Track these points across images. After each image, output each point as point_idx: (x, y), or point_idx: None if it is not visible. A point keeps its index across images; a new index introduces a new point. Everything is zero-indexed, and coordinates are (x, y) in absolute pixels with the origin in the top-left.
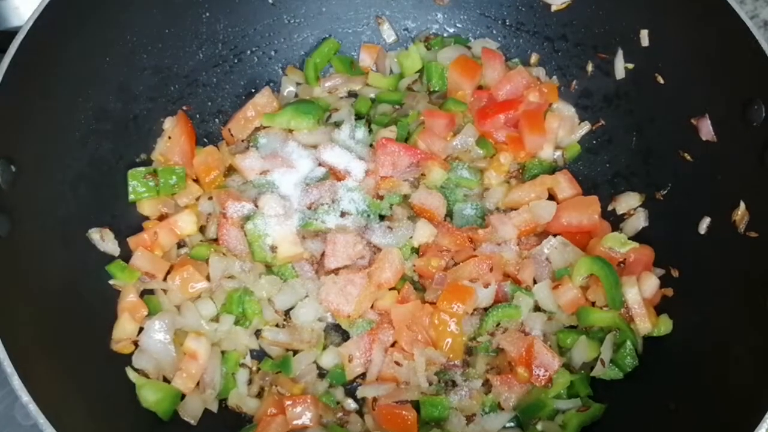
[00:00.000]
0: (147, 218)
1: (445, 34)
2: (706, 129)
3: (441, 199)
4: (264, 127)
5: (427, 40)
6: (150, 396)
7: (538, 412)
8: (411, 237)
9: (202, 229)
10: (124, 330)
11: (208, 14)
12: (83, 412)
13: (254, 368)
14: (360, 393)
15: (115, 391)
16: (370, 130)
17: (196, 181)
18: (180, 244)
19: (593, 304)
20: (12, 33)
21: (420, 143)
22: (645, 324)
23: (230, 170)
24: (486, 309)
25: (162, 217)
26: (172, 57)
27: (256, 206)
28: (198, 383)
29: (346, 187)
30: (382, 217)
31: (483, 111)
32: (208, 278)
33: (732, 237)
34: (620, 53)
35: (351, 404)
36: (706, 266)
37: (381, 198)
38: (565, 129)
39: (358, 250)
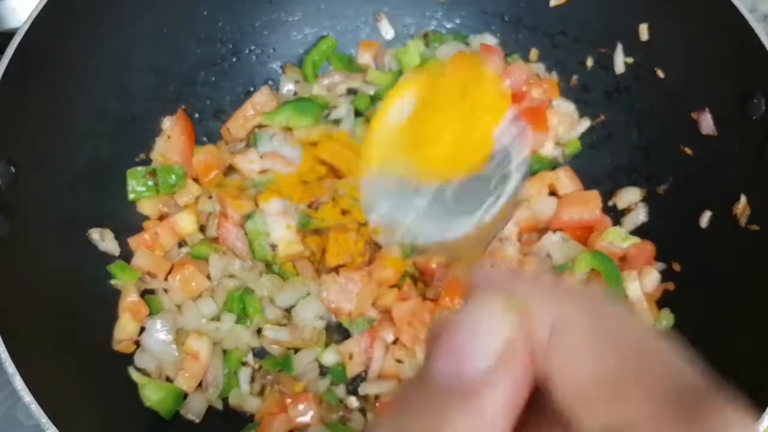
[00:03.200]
0: (147, 218)
1: (443, 31)
2: (706, 123)
3: None
4: (263, 126)
5: (425, 36)
6: (152, 395)
7: None
8: None
9: (202, 229)
10: (125, 330)
11: (205, 12)
12: (85, 411)
13: (256, 366)
14: (362, 390)
15: (117, 391)
16: None
17: (196, 180)
18: (180, 244)
19: None
20: (10, 34)
21: None
22: (646, 318)
23: (230, 169)
24: None
25: (162, 217)
26: (170, 56)
27: (256, 205)
28: (200, 382)
29: (346, 184)
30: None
31: None
32: (208, 277)
33: (733, 230)
34: (620, 47)
35: (353, 402)
36: (708, 260)
37: None
38: (565, 125)
39: (358, 247)
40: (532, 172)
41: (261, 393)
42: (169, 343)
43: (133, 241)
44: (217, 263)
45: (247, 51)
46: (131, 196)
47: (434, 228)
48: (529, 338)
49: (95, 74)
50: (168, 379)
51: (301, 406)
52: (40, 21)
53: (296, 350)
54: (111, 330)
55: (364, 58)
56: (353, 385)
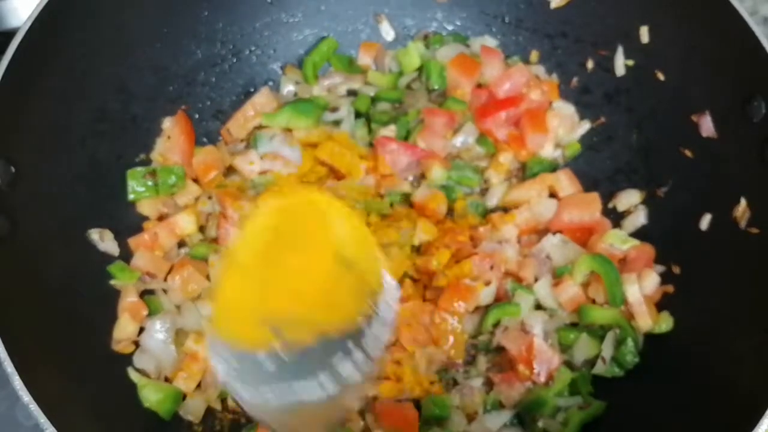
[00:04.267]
0: (146, 218)
1: (444, 32)
2: (706, 125)
3: (442, 198)
4: (263, 127)
5: (426, 38)
6: (152, 396)
7: (540, 409)
8: (412, 235)
9: (201, 229)
10: (124, 330)
11: (206, 13)
12: (84, 411)
13: None
14: None
15: (116, 391)
16: (370, 129)
17: (196, 180)
18: (180, 244)
19: (594, 301)
20: (11, 34)
21: (420, 142)
22: (646, 321)
23: (230, 170)
24: (487, 307)
25: (162, 217)
26: (171, 56)
27: (256, 206)
28: (199, 383)
29: (346, 185)
30: (382, 216)
31: (483, 108)
32: (208, 278)
33: (733, 233)
34: (620, 50)
35: None
36: (708, 263)
37: (381, 197)
38: (565, 127)
39: None
40: (532, 174)
41: None
42: (168, 343)
43: (133, 242)
44: (217, 264)
45: (247, 52)
46: (131, 196)
47: (278, 392)
48: None
49: (95, 74)
50: (167, 380)
51: None
52: (40, 21)
53: None
54: (110, 330)
55: (365, 59)
56: None
